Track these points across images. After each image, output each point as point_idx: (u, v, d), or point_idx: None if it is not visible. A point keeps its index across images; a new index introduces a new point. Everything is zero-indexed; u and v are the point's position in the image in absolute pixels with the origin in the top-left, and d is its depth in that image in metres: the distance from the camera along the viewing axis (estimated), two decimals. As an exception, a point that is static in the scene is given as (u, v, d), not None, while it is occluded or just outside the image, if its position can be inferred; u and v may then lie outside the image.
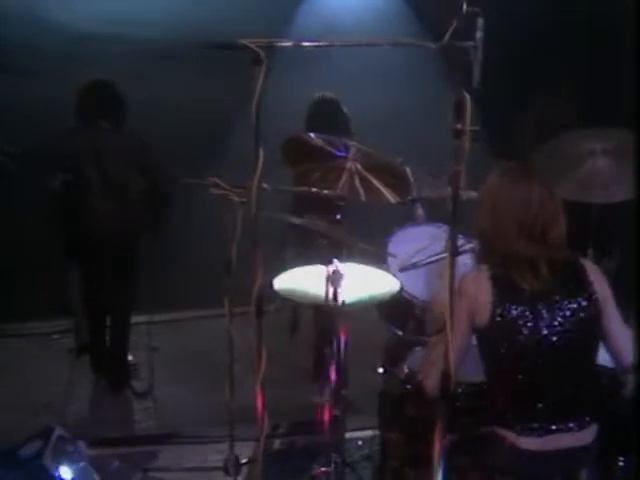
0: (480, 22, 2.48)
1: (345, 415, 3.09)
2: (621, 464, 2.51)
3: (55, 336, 5.40)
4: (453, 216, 1.90)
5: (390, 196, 2.81)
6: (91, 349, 4.60)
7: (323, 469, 2.89)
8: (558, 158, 3.08)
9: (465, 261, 2.94)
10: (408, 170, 2.94)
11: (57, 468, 2.82)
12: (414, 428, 2.62)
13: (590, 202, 3.08)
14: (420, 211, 3.18)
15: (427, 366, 2.34)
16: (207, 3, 5.98)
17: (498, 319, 2.22)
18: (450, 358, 1.95)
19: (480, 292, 2.24)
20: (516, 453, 2.25)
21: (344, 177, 2.79)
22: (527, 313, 2.23)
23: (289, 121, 5.55)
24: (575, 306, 2.24)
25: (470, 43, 2.52)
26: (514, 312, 2.22)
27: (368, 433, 3.47)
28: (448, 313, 1.93)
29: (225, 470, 3.38)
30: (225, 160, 5.51)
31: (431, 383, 2.28)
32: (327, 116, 4.18)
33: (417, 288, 2.93)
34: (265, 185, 2.94)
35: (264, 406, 2.70)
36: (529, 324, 2.22)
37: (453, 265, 1.88)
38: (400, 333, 3.13)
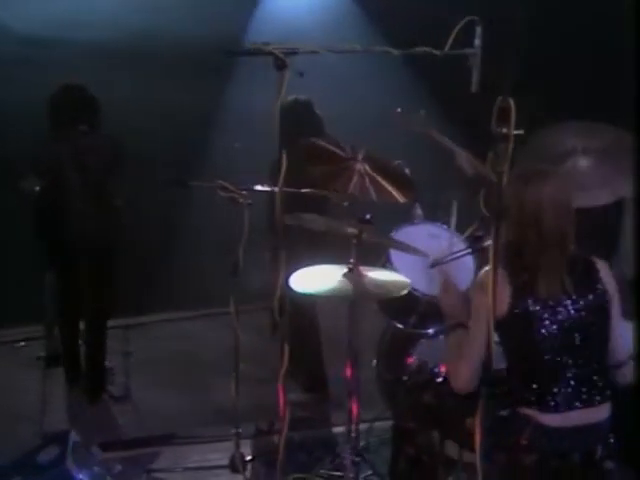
0: (478, 30, 2.66)
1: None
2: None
3: (21, 343, 5.35)
4: (497, 217, 2.04)
5: (398, 196, 2.94)
6: (66, 357, 4.54)
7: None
8: (539, 157, 3.15)
9: (468, 265, 3.12)
10: (407, 171, 3.09)
11: (79, 472, 2.83)
12: (431, 416, 2.76)
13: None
14: (419, 211, 3.32)
15: (455, 363, 2.51)
16: (159, 6, 6.00)
17: (516, 311, 2.39)
18: (490, 349, 2.11)
19: (500, 286, 2.40)
20: (540, 430, 2.42)
21: (355, 178, 2.91)
22: (544, 306, 2.41)
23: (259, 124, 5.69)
24: (591, 297, 2.44)
25: (471, 50, 2.71)
26: (532, 305, 2.40)
27: (363, 426, 3.60)
28: (490, 309, 2.08)
29: (232, 467, 3.46)
30: (183, 161, 5.56)
31: (462, 379, 2.47)
32: (301, 118, 4.25)
33: (422, 284, 3.07)
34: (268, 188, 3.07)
35: (285, 402, 2.80)
36: (546, 315, 2.40)
37: (496, 269, 2.01)
38: (400, 327, 3.27)
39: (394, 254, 3.10)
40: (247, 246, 4.04)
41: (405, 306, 3.14)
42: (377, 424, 3.54)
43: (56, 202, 4.18)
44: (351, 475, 3.07)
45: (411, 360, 2.95)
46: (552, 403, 2.41)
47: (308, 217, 2.84)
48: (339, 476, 3.28)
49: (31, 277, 4.65)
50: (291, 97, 4.36)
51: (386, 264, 3.13)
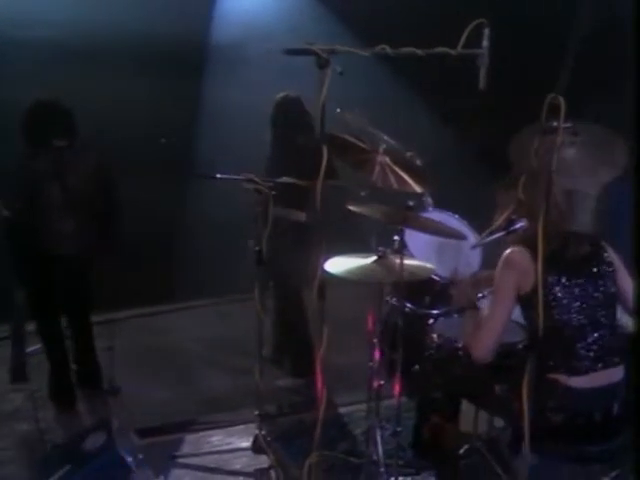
0: (486, 32, 2.91)
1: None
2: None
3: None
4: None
5: (415, 186, 3.17)
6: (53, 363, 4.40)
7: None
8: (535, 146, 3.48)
9: (458, 246, 3.40)
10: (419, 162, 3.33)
11: (129, 457, 2.94)
12: (460, 387, 3.01)
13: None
14: (429, 199, 3.55)
15: (475, 335, 2.77)
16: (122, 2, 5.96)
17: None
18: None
19: (525, 262, 2.67)
20: (567, 392, 2.70)
21: (377, 169, 3.12)
22: (564, 279, 2.69)
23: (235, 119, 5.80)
24: (603, 268, 2.78)
25: (480, 50, 2.96)
26: (554, 278, 2.67)
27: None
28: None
29: (255, 449, 3.61)
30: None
31: (483, 349, 2.74)
32: (291, 114, 4.41)
33: (439, 268, 3.31)
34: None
35: (323, 383, 2.98)
36: (567, 286, 2.69)
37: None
38: (412, 307, 3.51)
39: (409, 240, 3.34)
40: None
41: (420, 288, 3.38)
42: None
43: (34, 220, 4.04)
44: (375, 449, 3.29)
45: (434, 336, 3.18)
46: (578, 367, 2.70)
47: (365, 206, 3.03)
48: (360, 452, 3.47)
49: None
50: (281, 94, 4.52)
51: (400, 249, 3.35)
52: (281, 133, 4.40)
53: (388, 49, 2.89)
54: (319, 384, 2.98)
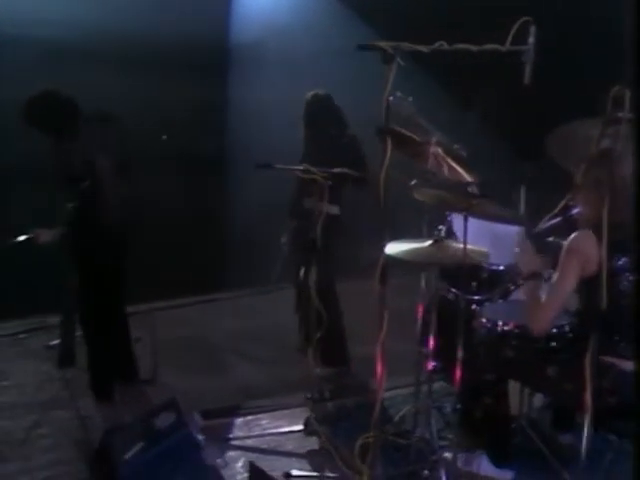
0: (533, 29, 3.07)
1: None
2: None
3: (21, 335, 5.41)
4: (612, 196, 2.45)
5: (465, 175, 3.32)
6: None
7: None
8: (573, 140, 3.64)
9: (512, 233, 3.56)
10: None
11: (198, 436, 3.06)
12: (512, 368, 3.17)
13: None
14: (476, 189, 3.70)
15: (536, 308, 2.94)
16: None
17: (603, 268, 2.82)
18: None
19: (590, 247, 2.82)
20: (622, 375, 2.85)
21: (430, 159, 3.27)
22: (622, 262, 2.85)
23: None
24: None
25: (526, 47, 3.11)
26: (617, 262, 2.83)
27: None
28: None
29: (306, 431, 3.75)
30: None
31: (544, 322, 2.93)
32: (323, 111, 4.53)
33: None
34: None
35: (383, 366, 3.13)
36: (626, 270, 2.84)
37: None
38: (457, 292, 3.66)
39: (456, 227, 3.51)
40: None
41: (468, 274, 3.53)
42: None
43: (94, 213, 4.04)
44: (428, 429, 3.44)
45: (483, 320, 3.32)
46: (631, 351, 2.85)
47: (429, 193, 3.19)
48: (405, 432, 3.61)
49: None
50: (311, 92, 4.64)
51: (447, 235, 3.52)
52: (314, 130, 4.52)
53: (445, 45, 3.07)
54: (379, 368, 3.14)
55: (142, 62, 5.86)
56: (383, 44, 2.85)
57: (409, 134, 3.24)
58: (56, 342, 4.93)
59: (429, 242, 3.27)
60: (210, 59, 6.22)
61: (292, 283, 4.93)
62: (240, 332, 5.49)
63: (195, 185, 5.94)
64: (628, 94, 2.43)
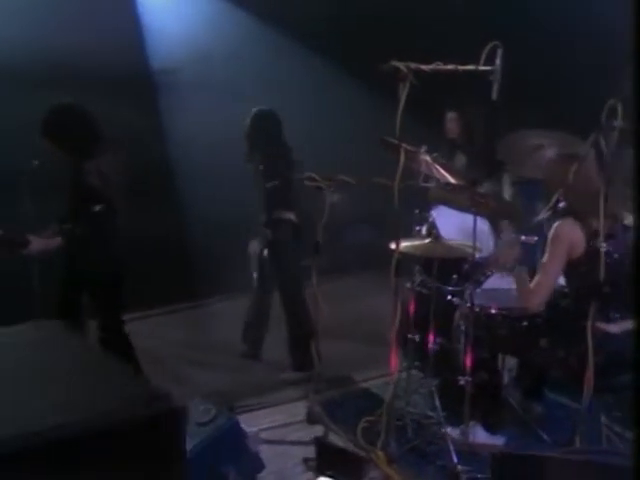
0: (499, 52, 3.57)
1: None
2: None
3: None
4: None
5: (456, 179, 3.81)
6: None
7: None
8: (519, 148, 4.18)
9: (482, 227, 4.07)
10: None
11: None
12: (508, 345, 3.70)
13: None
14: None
15: (530, 289, 3.45)
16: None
17: (589, 250, 3.34)
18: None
19: (575, 234, 3.35)
20: (605, 337, 3.37)
21: (423, 165, 3.72)
22: (605, 244, 3.37)
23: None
24: (628, 234, 3.47)
25: (494, 67, 3.61)
26: (599, 243, 3.35)
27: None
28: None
29: (309, 420, 4.02)
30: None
31: (538, 299, 3.45)
32: (266, 128, 4.86)
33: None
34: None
35: (396, 355, 3.50)
36: (609, 249, 3.35)
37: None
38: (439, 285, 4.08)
39: (438, 221, 4.00)
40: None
41: (449, 267, 4.00)
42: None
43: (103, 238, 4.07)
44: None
45: (470, 305, 3.76)
46: (614, 315, 3.39)
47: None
48: (409, 411, 3.98)
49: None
50: (255, 109, 4.92)
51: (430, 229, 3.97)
52: (256, 145, 4.85)
53: (441, 65, 3.51)
54: (393, 356, 3.51)
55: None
56: (399, 64, 3.27)
57: (402, 144, 3.64)
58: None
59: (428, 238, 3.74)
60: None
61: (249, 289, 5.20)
62: (192, 343, 5.65)
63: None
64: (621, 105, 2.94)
